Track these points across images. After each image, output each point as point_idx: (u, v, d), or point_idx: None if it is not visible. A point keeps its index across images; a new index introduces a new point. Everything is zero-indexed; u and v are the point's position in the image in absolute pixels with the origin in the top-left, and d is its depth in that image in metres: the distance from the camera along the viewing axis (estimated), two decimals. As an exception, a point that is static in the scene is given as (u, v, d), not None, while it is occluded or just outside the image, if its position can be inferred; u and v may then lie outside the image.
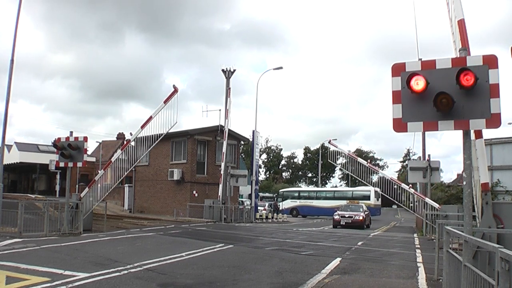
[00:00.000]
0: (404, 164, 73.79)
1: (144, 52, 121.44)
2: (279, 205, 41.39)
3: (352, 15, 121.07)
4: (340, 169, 69.74)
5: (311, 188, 69.32)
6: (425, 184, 21.08)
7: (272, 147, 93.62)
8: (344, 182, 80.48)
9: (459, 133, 5.63)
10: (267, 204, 38.53)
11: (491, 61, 5.31)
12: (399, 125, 5.71)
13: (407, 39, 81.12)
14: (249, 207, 28.96)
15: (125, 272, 7.93)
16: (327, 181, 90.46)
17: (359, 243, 14.97)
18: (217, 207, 25.08)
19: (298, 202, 43.59)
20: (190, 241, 13.44)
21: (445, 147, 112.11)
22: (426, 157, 21.62)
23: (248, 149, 50.92)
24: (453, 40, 8.26)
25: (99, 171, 17.75)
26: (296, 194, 45.43)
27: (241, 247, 12.54)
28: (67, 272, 7.61)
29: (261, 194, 46.04)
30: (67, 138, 14.48)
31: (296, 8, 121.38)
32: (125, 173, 17.55)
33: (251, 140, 31.85)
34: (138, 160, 18.37)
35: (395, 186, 22.91)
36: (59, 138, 14.71)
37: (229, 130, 27.88)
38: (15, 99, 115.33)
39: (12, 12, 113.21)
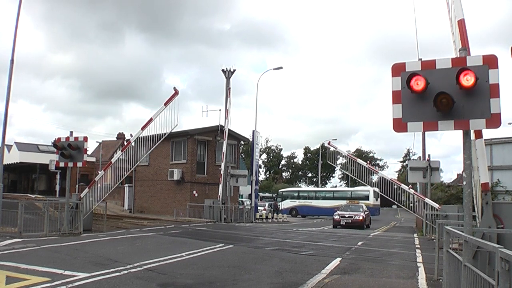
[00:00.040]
0: (404, 164, 73.81)
1: (144, 52, 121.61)
2: (279, 205, 41.39)
3: (352, 15, 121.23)
4: (340, 169, 69.73)
5: (310, 188, 69.36)
6: (425, 184, 21.09)
7: (272, 147, 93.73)
8: (344, 182, 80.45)
9: (459, 133, 5.63)
10: (267, 204, 38.56)
11: (491, 61, 5.31)
12: (399, 125, 5.71)
13: (407, 39, 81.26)
14: (249, 207, 28.96)
15: (125, 272, 7.93)
16: (327, 181, 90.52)
17: (359, 243, 14.97)
18: (217, 207, 25.08)
19: (297, 202, 43.63)
20: (190, 241, 13.44)
21: (445, 147, 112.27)
22: (426, 157, 21.62)
23: (248, 149, 50.93)
24: (453, 40, 8.26)
25: (99, 172, 17.75)
26: (296, 194, 45.47)
27: (241, 247, 12.54)
28: (67, 272, 7.61)
29: (261, 194, 46.07)
30: (67, 138, 14.48)
31: (296, 8, 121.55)
32: (125, 174, 17.56)
33: (251, 140, 31.85)
34: (139, 162, 18.40)
35: (395, 186, 22.90)
36: (59, 138, 14.71)
37: (229, 130, 27.89)
38: (15, 99, 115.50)
39: (12, 12, 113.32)
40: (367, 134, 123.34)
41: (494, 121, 5.26)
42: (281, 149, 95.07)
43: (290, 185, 72.25)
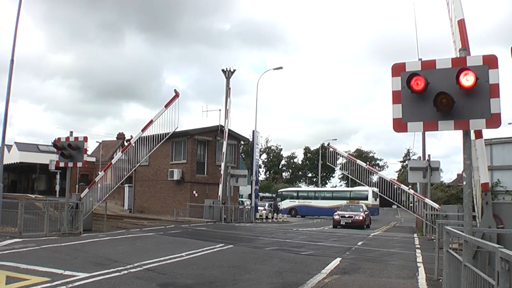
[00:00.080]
0: (404, 164, 73.82)
1: (144, 52, 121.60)
2: (278, 205, 41.39)
3: (352, 15, 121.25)
4: (340, 169, 69.85)
5: (310, 188, 69.36)
6: (425, 184, 21.08)
7: (272, 147, 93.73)
8: (344, 182, 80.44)
9: (459, 133, 5.63)
10: (267, 204, 38.57)
11: (491, 61, 5.31)
12: (399, 125, 5.71)
13: (407, 39, 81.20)
14: (249, 207, 28.96)
15: (125, 272, 7.93)
16: (327, 181, 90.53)
17: (359, 243, 14.97)
18: (217, 207, 25.08)
19: (296, 202, 43.66)
20: (190, 241, 13.44)
21: (445, 147, 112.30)
22: (426, 157, 21.61)
23: (248, 149, 50.93)
24: (453, 40, 8.25)
25: (99, 173, 17.76)
26: (295, 194, 45.49)
27: (241, 247, 12.54)
28: (67, 272, 7.61)
29: (261, 194, 46.06)
30: (67, 138, 14.48)
31: (296, 8, 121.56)
32: (126, 175, 17.58)
33: (251, 140, 31.85)
34: (139, 163, 18.42)
35: (395, 187, 22.90)
36: (59, 138, 14.71)
37: (229, 130, 27.89)
38: (15, 99, 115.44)
39: (12, 12, 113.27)
40: (367, 134, 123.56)
41: (494, 121, 5.26)
42: (281, 149, 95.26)
43: (290, 185, 72.24)
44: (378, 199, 39.55)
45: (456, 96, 5.29)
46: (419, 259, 10.99)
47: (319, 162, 66.32)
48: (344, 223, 25.53)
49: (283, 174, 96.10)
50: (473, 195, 7.07)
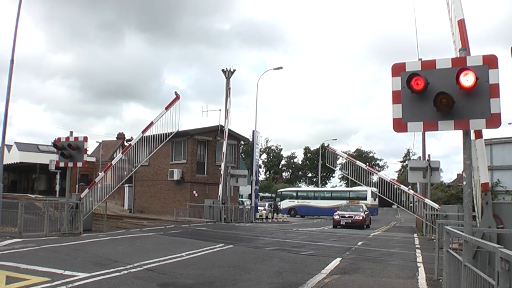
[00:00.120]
0: (404, 164, 73.80)
1: (144, 52, 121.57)
2: (278, 205, 41.41)
3: (352, 15, 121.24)
4: (340, 170, 69.79)
5: (309, 188, 69.35)
6: (425, 184, 21.08)
7: (272, 147, 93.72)
8: (344, 182, 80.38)
9: (459, 133, 5.63)
10: (267, 204, 38.57)
11: (491, 61, 5.31)
12: (399, 125, 5.71)
13: (407, 39, 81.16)
14: (249, 207, 28.97)
15: (125, 272, 7.93)
16: (327, 181, 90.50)
17: (359, 243, 14.97)
18: (217, 207, 25.08)
19: (296, 202, 43.67)
20: (190, 241, 13.44)
21: (445, 147, 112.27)
22: (426, 157, 21.61)
23: (248, 149, 50.92)
24: (453, 40, 8.25)
25: (99, 173, 17.76)
26: (294, 194, 45.51)
27: (241, 247, 12.54)
28: (67, 272, 7.61)
29: (261, 194, 46.08)
30: (67, 138, 14.48)
31: (296, 8, 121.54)
32: (126, 176, 17.60)
33: (251, 140, 31.85)
34: (139, 165, 18.43)
35: (395, 187, 22.90)
36: (59, 138, 14.72)
37: (229, 130, 27.89)
38: (15, 99, 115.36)
39: (12, 12, 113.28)
40: (367, 134, 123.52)
41: (494, 121, 5.26)
42: (281, 149, 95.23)
43: (290, 185, 72.25)
44: (377, 199, 39.56)
45: (456, 96, 5.29)
46: (419, 259, 10.99)
47: (319, 162, 66.31)
48: (344, 223, 25.53)
49: (283, 174, 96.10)
50: (473, 195, 7.07)
